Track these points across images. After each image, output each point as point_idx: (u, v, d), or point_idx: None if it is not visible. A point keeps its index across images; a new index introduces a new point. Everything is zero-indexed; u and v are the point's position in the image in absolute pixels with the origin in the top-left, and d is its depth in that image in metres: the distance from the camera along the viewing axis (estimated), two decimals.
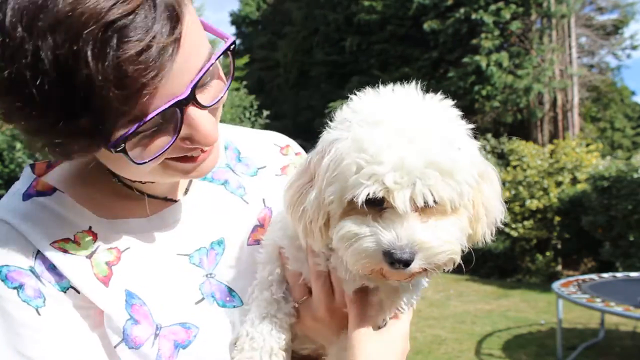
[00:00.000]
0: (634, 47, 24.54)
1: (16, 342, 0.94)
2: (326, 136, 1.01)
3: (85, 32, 0.73)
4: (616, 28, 23.85)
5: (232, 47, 0.96)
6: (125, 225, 1.10)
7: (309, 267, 1.13)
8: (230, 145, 1.36)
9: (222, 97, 0.98)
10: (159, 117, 0.86)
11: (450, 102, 1.01)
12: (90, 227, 1.06)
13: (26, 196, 1.06)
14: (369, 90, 1.02)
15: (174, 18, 0.81)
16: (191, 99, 0.88)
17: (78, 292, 1.00)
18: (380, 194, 0.90)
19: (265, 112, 15.01)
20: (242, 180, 1.30)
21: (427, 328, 8.64)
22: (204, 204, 1.21)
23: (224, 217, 1.22)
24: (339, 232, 0.96)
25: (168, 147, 0.90)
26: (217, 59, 0.92)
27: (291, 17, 27.44)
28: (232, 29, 35.14)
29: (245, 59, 22.37)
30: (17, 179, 1.13)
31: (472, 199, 1.00)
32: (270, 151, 1.40)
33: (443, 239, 0.96)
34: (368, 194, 0.90)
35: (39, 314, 0.96)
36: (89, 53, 0.74)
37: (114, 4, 0.75)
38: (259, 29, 33.92)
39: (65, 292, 0.99)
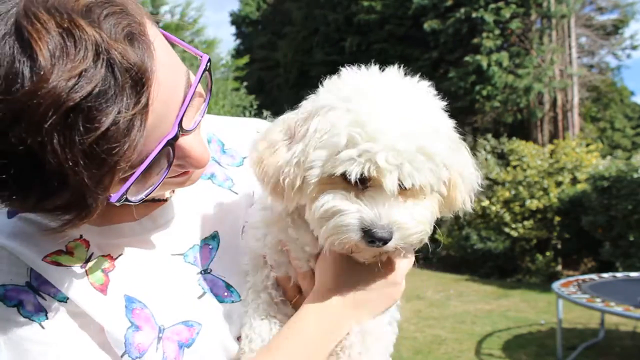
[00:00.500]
0: (634, 47, 24.55)
1: (25, 359, 0.94)
2: (314, 100, 1.03)
3: (47, 124, 0.70)
4: (616, 28, 23.85)
5: (208, 65, 0.95)
6: (116, 231, 1.08)
7: (293, 269, 1.15)
8: (214, 137, 1.35)
9: (203, 112, 0.98)
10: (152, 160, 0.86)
11: (426, 83, 1.07)
12: (81, 236, 1.04)
13: (11, 214, 1.02)
14: (356, 68, 1.06)
15: (139, 83, 0.77)
16: (179, 134, 0.88)
17: (76, 304, 0.99)
18: (373, 173, 0.93)
19: (266, 112, 15.01)
20: (229, 172, 1.30)
21: (427, 328, 8.64)
22: (193, 201, 1.21)
23: (215, 211, 1.22)
24: (321, 206, 0.97)
25: (162, 180, 0.91)
26: (196, 85, 0.91)
27: (291, 17, 27.44)
28: (232, 29, 35.14)
29: (245, 59, 22.34)
30: None
31: (447, 178, 1.04)
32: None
33: (418, 220, 1.00)
34: (360, 172, 0.93)
35: (43, 328, 0.95)
36: (55, 142, 0.71)
37: (74, 85, 0.71)
38: (259, 29, 33.90)
39: (65, 302, 0.98)
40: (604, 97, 30.16)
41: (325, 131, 0.96)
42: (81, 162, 0.73)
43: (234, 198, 1.27)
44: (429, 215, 1.03)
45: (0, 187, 0.76)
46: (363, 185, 0.97)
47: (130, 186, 0.85)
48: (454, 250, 14.71)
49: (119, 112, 0.74)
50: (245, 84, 16.67)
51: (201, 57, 0.95)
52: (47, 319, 0.96)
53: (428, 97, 1.04)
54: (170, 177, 0.97)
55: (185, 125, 0.90)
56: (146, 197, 0.91)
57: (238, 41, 35.34)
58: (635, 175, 10.41)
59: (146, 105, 0.78)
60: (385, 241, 0.95)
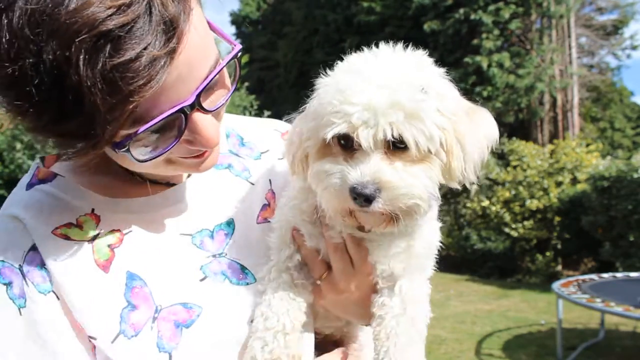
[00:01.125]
0: (633, 47, 24.54)
1: None
2: (318, 82, 1.08)
3: (78, 39, 0.77)
4: (616, 28, 23.85)
5: (238, 54, 1.00)
6: (128, 204, 1.12)
7: (325, 242, 1.14)
8: (232, 132, 1.38)
9: (225, 101, 1.01)
10: (163, 120, 0.89)
11: (424, 53, 1.08)
12: (93, 210, 1.08)
13: (29, 186, 1.09)
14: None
15: (170, 31, 0.83)
16: (196, 105, 0.91)
17: (57, 299, 1.00)
18: (346, 131, 0.97)
19: (267, 113, 15.01)
20: (247, 163, 1.33)
21: (427, 328, 8.64)
22: (209, 187, 1.23)
23: (231, 198, 1.24)
24: (313, 170, 1.04)
25: (169, 149, 0.93)
26: (222, 68, 0.96)
27: (291, 17, 27.45)
28: (232, 29, 35.16)
29: (245, 59, 22.36)
30: (17, 179, 1.13)
31: (445, 141, 1.02)
32: (271, 136, 1.42)
33: (407, 181, 0.98)
34: (337, 132, 0.97)
35: (20, 314, 0.98)
36: (80, 59, 0.77)
37: (111, 15, 0.77)
38: (259, 29, 33.92)
39: (45, 295, 1.00)
40: (604, 97, 30.16)
41: (317, 105, 1.03)
42: (99, 84, 0.78)
43: (251, 188, 1.29)
44: (423, 179, 1.00)
45: (22, 97, 0.81)
46: (352, 150, 1.00)
47: (136, 134, 0.87)
48: (454, 250, 14.71)
49: (145, 48, 0.80)
50: (246, 84, 16.66)
51: (234, 45, 1.00)
52: (25, 307, 0.99)
53: (415, 63, 1.03)
54: (182, 157, 1.00)
55: (204, 104, 0.94)
56: (151, 159, 0.93)
57: (238, 41, 35.31)
58: (635, 175, 10.41)
59: (173, 51, 0.83)
60: (368, 198, 0.95)
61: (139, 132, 0.87)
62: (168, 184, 1.19)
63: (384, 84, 0.97)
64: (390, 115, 0.95)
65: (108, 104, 0.80)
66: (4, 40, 0.78)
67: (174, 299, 1.06)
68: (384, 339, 1.09)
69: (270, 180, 1.32)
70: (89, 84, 0.78)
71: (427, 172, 1.01)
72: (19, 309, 0.98)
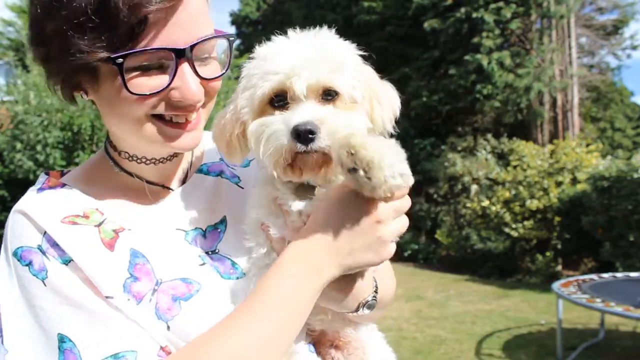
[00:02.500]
0: (634, 47, 24.54)
1: (34, 313, 1.06)
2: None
3: None
4: (616, 28, 23.84)
5: (231, 39, 1.14)
6: (128, 208, 1.21)
7: (288, 229, 1.16)
8: None
9: (215, 80, 1.14)
10: (157, 59, 1.03)
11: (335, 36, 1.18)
12: (97, 208, 1.18)
13: (39, 190, 1.20)
14: None
15: None
16: (187, 55, 1.04)
17: (78, 266, 1.07)
18: (280, 82, 1.06)
19: None
20: (236, 171, 1.42)
21: (427, 328, 8.65)
22: (202, 191, 1.32)
23: (223, 200, 1.33)
24: (251, 128, 1.11)
25: (162, 90, 1.04)
26: (217, 37, 1.10)
27: (291, 17, 27.45)
28: (232, 29, 35.15)
29: (245, 59, 22.32)
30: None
31: (365, 94, 1.14)
32: None
33: (342, 118, 1.07)
34: (271, 87, 1.07)
35: (45, 285, 1.06)
36: None
37: None
38: (259, 29, 33.91)
39: (67, 265, 1.07)
40: (604, 97, 30.15)
41: (244, 81, 1.14)
42: None
43: (241, 191, 1.37)
44: (355, 119, 1.10)
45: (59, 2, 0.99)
46: (286, 105, 1.09)
47: (134, 52, 0.99)
48: (454, 250, 14.72)
49: None
50: None
51: (226, 34, 1.14)
52: (47, 277, 1.06)
53: (332, 37, 1.16)
54: (163, 123, 1.11)
55: (198, 70, 1.07)
56: (143, 94, 1.04)
57: (238, 41, 35.34)
58: (635, 175, 10.40)
59: None
60: (311, 132, 1.02)
61: (135, 50, 0.99)
62: (163, 186, 1.28)
63: (305, 46, 1.10)
64: (318, 66, 1.07)
65: (127, 5, 0.95)
66: None
67: (175, 275, 1.13)
68: None
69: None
70: None
71: (356, 115, 1.11)
72: (43, 281, 1.06)
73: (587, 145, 14.40)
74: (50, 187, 1.20)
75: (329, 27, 1.17)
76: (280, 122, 1.06)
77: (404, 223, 1.11)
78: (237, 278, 1.21)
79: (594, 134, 27.39)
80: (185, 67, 1.06)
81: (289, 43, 1.13)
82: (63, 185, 1.21)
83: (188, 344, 1.04)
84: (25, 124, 11.95)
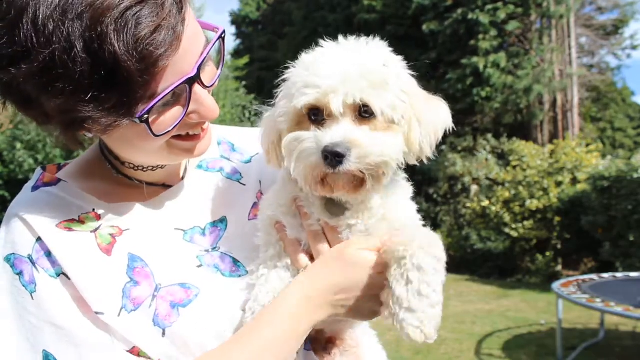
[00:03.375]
0: (634, 47, 24.52)
1: (21, 323, 1.05)
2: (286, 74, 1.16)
3: (106, 17, 0.88)
4: (616, 28, 23.83)
5: (223, 35, 1.12)
6: (125, 208, 1.19)
7: (305, 232, 1.18)
8: (224, 140, 1.47)
9: (216, 80, 1.12)
10: (170, 95, 0.99)
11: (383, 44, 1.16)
12: (93, 209, 1.16)
13: (34, 188, 1.18)
14: None
15: (180, 3, 0.97)
16: (197, 77, 1.02)
17: (69, 279, 1.06)
18: (316, 98, 1.04)
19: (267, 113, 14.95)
20: (238, 167, 1.41)
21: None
22: (201, 188, 1.31)
23: (223, 198, 1.32)
24: (286, 141, 1.10)
25: (180, 120, 1.03)
26: (215, 42, 1.08)
27: (291, 17, 27.44)
28: (232, 29, 35.14)
29: (245, 59, 22.34)
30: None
31: (405, 114, 1.10)
32: None
33: (376, 141, 1.05)
34: (308, 101, 1.05)
35: (33, 299, 1.05)
36: (111, 33, 0.88)
37: None
38: (259, 29, 33.91)
39: (57, 277, 1.06)
40: (604, 97, 30.14)
41: (286, 86, 1.13)
42: (131, 52, 0.89)
43: (242, 188, 1.36)
44: (389, 142, 1.07)
45: (60, 80, 0.90)
46: (323, 121, 1.07)
47: (155, 103, 0.97)
48: (454, 250, 14.71)
49: (164, 19, 0.92)
50: (244, 83, 16.67)
51: (218, 29, 1.11)
52: (35, 291, 1.05)
53: (378, 47, 1.13)
54: (179, 139, 1.10)
55: (203, 79, 1.04)
56: (167, 132, 1.02)
57: (238, 41, 35.34)
58: (635, 175, 10.40)
59: (184, 20, 0.97)
60: (339, 155, 1.00)
61: (156, 100, 0.97)
62: (163, 185, 1.27)
63: (349, 60, 1.07)
64: (358, 83, 1.04)
65: (140, 70, 0.91)
66: (32, 30, 0.88)
67: (173, 280, 1.12)
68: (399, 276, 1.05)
69: (260, 181, 1.39)
70: (122, 51, 0.88)
71: (392, 138, 1.08)
72: (31, 294, 1.05)
73: (587, 145, 14.40)
74: (45, 184, 1.18)
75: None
76: (312, 140, 1.05)
77: None
78: (240, 276, 1.20)
79: (594, 134, 27.39)
80: (197, 89, 1.04)
81: (334, 53, 1.09)
82: (58, 181, 1.19)
83: None
84: (26, 124, 11.95)
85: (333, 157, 1.01)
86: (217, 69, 1.14)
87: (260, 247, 1.21)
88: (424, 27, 18.85)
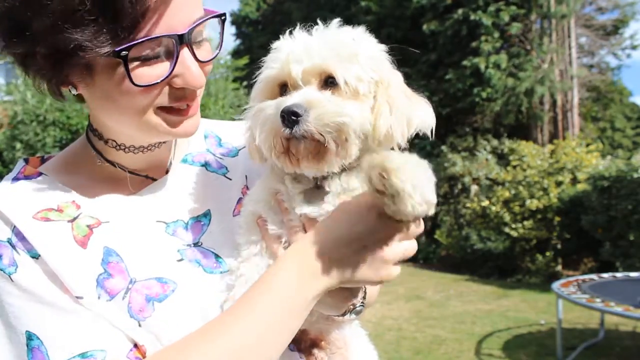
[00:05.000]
0: (634, 47, 24.52)
1: (1, 308, 1.03)
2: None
3: None
4: (616, 28, 23.83)
5: (224, 17, 1.11)
6: (107, 200, 1.17)
7: (285, 227, 1.13)
8: (211, 134, 1.44)
9: (210, 61, 1.11)
10: (157, 47, 0.99)
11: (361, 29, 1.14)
12: (73, 201, 1.13)
13: (13, 180, 1.16)
14: None
15: None
16: (188, 39, 1.01)
17: (46, 264, 1.04)
18: (279, 69, 1.05)
19: None
20: (224, 161, 1.37)
21: (427, 328, 8.64)
22: (185, 182, 1.28)
23: (208, 192, 1.28)
24: (249, 114, 1.10)
25: (164, 78, 1.00)
26: (209, 17, 1.06)
27: (291, 18, 27.45)
28: (232, 29, 35.13)
29: (245, 60, 22.31)
30: None
31: (373, 91, 1.07)
32: None
33: (335, 102, 1.02)
34: (271, 74, 1.06)
35: (12, 280, 1.02)
36: None
37: None
38: (258, 29, 33.90)
39: (37, 259, 1.04)
40: (604, 97, 30.14)
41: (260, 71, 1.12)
42: None
43: (228, 182, 1.33)
44: (350, 107, 1.03)
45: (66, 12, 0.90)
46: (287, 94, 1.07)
47: (137, 43, 0.95)
48: (454, 250, 14.71)
49: None
50: (244, 83, 16.65)
51: (216, 12, 1.10)
52: (15, 272, 1.02)
53: (355, 32, 1.11)
54: (165, 112, 1.07)
55: (197, 53, 1.04)
56: (147, 85, 1.00)
57: (238, 41, 35.32)
58: (635, 175, 10.40)
59: None
60: (296, 114, 0.98)
61: (140, 40, 0.94)
62: (147, 177, 1.24)
63: (316, 36, 1.09)
64: (321, 51, 1.04)
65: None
66: None
67: (150, 274, 1.09)
68: None
69: (246, 176, 1.35)
70: None
71: (356, 106, 1.05)
72: (9, 276, 1.02)
73: (587, 145, 14.39)
74: (26, 177, 1.16)
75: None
76: (273, 107, 1.04)
77: (410, 247, 1.06)
78: (221, 273, 1.16)
79: (594, 133, 27.39)
80: (185, 52, 1.02)
81: (301, 34, 1.10)
82: (39, 174, 1.17)
83: (170, 345, 1.01)
84: (25, 123, 11.96)
85: (289, 116, 0.99)
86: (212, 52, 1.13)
87: (241, 244, 1.17)
88: (424, 27, 18.80)
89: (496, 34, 17.95)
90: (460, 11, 18.10)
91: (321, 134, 1.00)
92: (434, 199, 0.94)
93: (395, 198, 0.91)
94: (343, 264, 1.01)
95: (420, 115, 1.11)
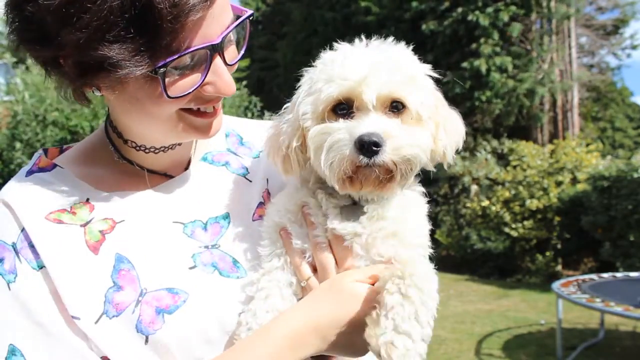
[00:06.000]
0: (634, 47, 24.51)
1: None
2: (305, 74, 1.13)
3: None
4: (616, 28, 23.82)
5: (251, 17, 1.09)
6: (122, 197, 1.15)
7: (310, 242, 1.13)
8: (232, 132, 1.41)
9: (236, 62, 1.09)
10: (189, 58, 0.97)
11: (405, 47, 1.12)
12: (87, 199, 1.12)
13: (28, 173, 1.14)
14: None
15: None
16: (221, 48, 0.99)
17: (49, 275, 1.03)
18: (347, 90, 1.00)
19: (268, 114, 14.95)
20: (245, 162, 1.35)
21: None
22: (204, 182, 1.26)
23: (227, 194, 1.27)
24: (313, 133, 1.04)
25: (197, 86, 0.99)
26: (242, 20, 1.05)
27: (291, 17, 27.44)
28: None
29: (245, 62, 22.31)
30: None
31: (432, 115, 1.08)
32: None
33: (408, 133, 1.02)
34: (338, 92, 1.01)
35: (9, 289, 1.01)
36: None
37: None
38: (258, 29, 33.89)
39: (39, 270, 1.03)
40: (604, 97, 30.13)
41: (309, 86, 1.08)
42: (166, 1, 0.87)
43: (248, 184, 1.31)
44: (420, 136, 1.04)
45: (91, 13, 0.86)
46: (351, 115, 1.03)
47: (176, 58, 0.93)
48: (454, 250, 14.70)
49: None
50: (244, 83, 16.64)
51: (245, 11, 1.08)
52: (14, 282, 1.01)
53: (403, 50, 1.10)
54: (191, 114, 1.06)
55: (225, 55, 1.02)
56: (180, 96, 0.98)
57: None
58: (635, 175, 10.40)
59: None
60: (376, 145, 0.97)
61: (179, 55, 0.93)
62: (165, 174, 1.22)
63: (376, 54, 1.04)
64: (390, 75, 1.01)
65: (172, 15, 0.87)
66: None
67: (161, 284, 1.07)
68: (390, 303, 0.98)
69: (267, 179, 1.33)
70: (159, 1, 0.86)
71: (422, 132, 1.06)
72: (8, 284, 1.01)
73: (587, 145, 14.39)
74: (40, 169, 1.14)
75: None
76: (344, 131, 1.00)
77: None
78: (238, 277, 1.15)
79: (594, 133, 27.38)
80: (217, 61, 1.01)
81: (357, 50, 1.06)
82: (54, 166, 1.15)
83: None
84: (25, 123, 11.96)
85: (370, 146, 0.96)
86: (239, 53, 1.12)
87: (264, 256, 1.15)
88: (424, 27, 18.71)
89: (496, 36, 17.83)
90: (459, 10, 17.99)
91: (395, 164, 1.01)
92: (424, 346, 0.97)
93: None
94: (328, 342, 1.04)
95: (461, 129, 1.15)
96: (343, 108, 1.04)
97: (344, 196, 1.11)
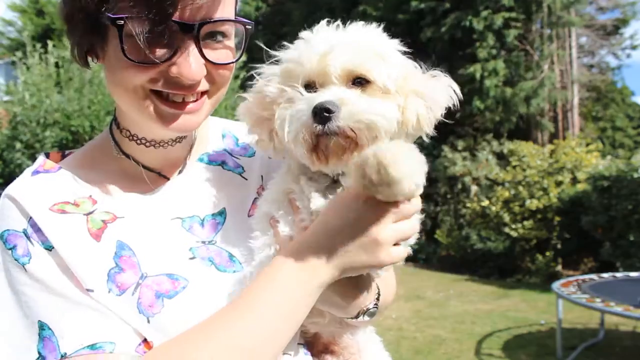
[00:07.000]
0: (633, 47, 24.52)
1: (16, 298, 1.05)
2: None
3: None
4: (616, 28, 23.82)
5: (248, 26, 1.13)
6: (123, 197, 1.19)
7: (296, 227, 1.13)
8: (228, 134, 1.45)
9: (223, 67, 1.10)
10: (163, 30, 0.97)
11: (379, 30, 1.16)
12: (90, 196, 1.16)
13: (34, 173, 1.18)
14: None
15: None
16: (196, 33, 1.00)
17: (59, 255, 1.06)
18: (311, 66, 1.05)
19: None
20: (240, 161, 1.38)
21: (427, 328, 8.64)
22: (201, 180, 1.29)
23: (223, 190, 1.29)
24: (277, 112, 1.09)
25: (160, 62, 1.00)
26: (230, 20, 1.07)
27: (291, 17, 27.45)
28: None
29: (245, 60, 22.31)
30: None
31: (400, 88, 1.09)
32: None
33: (366, 101, 1.04)
34: (303, 71, 1.06)
35: (26, 270, 1.04)
36: None
37: None
38: (258, 29, 33.89)
39: (50, 250, 1.06)
40: (604, 97, 30.13)
41: (280, 66, 1.13)
42: None
43: (244, 182, 1.34)
44: (381, 106, 1.05)
45: None
46: (315, 91, 1.07)
47: (135, 17, 0.95)
48: (454, 250, 14.71)
49: None
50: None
51: (247, 22, 1.13)
52: (29, 263, 1.05)
53: (374, 30, 1.13)
54: (159, 99, 1.07)
55: (205, 50, 1.03)
56: (140, 62, 1.00)
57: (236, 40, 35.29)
58: (635, 175, 10.40)
59: None
60: (328, 111, 0.99)
61: (140, 15, 0.95)
62: (160, 174, 1.25)
63: (343, 33, 1.09)
64: (354, 49, 1.05)
65: None
66: None
67: (161, 270, 1.10)
68: None
69: (262, 176, 1.36)
70: None
71: (384, 103, 1.06)
72: (23, 266, 1.05)
73: (587, 145, 14.39)
74: (46, 171, 1.18)
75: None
76: (304, 102, 1.04)
77: (408, 227, 1.06)
78: (234, 272, 1.16)
79: (595, 133, 27.37)
80: (190, 44, 1.02)
81: (327, 31, 1.11)
82: (59, 168, 1.19)
83: (171, 340, 1.01)
84: (25, 124, 11.96)
85: (322, 112, 0.99)
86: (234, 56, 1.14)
87: (255, 248, 1.16)
88: (421, 35, 18.46)
89: (491, 40, 17.60)
90: (453, 15, 17.77)
91: (353, 131, 1.02)
92: (422, 180, 0.97)
93: (391, 186, 0.93)
94: (337, 252, 1.01)
95: (443, 99, 1.13)
96: (310, 86, 1.08)
97: (324, 177, 1.13)
